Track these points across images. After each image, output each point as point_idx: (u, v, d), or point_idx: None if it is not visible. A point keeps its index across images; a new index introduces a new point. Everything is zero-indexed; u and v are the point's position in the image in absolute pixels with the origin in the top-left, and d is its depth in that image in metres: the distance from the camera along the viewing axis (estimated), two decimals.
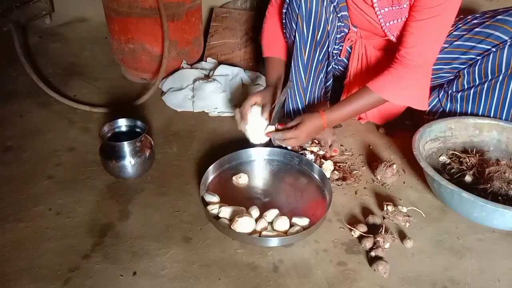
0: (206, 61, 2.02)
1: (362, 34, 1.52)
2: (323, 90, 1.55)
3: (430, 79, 1.38)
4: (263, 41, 1.55)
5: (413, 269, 1.11)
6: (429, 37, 1.27)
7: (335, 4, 1.38)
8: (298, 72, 1.45)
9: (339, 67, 1.64)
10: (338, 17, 1.43)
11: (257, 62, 2.01)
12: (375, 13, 1.38)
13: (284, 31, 1.46)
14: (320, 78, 1.49)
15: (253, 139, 1.43)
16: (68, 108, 1.73)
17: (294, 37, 1.40)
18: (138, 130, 1.40)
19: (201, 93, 1.75)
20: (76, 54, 2.20)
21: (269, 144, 1.48)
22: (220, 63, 1.97)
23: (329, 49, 1.45)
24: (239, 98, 1.77)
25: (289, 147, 1.47)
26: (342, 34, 1.51)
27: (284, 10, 1.40)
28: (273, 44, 1.53)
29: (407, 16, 1.33)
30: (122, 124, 1.41)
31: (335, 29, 1.44)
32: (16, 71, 1.96)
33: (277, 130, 1.39)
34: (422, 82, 1.35)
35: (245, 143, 1.50)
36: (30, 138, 1.56)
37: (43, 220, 1.22)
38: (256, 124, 1.40)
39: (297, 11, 1.34)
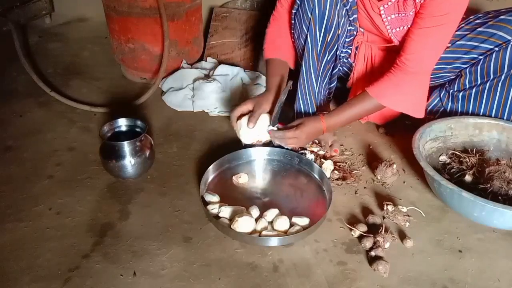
0: (206, 61, 2.02)
1: (369, 37, 1.52)
2: (327, 92, 1.55)
3: (428, 87, 1.39)
4: (265, 44, 1.54)
5: (413, 269, 1.11)
6: (430, 45, 1.28)
7: (347, 7, 1.38)
8: (309, 76, 1.45)
9: (344, 68, 1.64)
10: (349, 20, 1.43)
11: (257, 61, 2.01)
12: (382, 20, 1.39)
13: (292, 31, 1.45)
14: (325, 80, 1.50)
15: (243, 139, 1.42)
16: (68, 108, 1.73)
17: (305, 40, 1.39)
18: (138, 129, 1.40)
19: (201, 92, 1.75)
20: (76, 54, 2.20)
21: (269, 143, 1.48)
22: (220, 62, 1.97)
23: (337, 52, 1.45)
24: (239, 98, 1.78)
25: (289, 147, 1.47)
26: (351, 37, 1.51)
27: (294, 11, 1.39)
28: (275, 46, 1.51)
29: None
30: (122, 123, 1.41)
31: (345, 32, 1.44)
32: (16, 70, 1.96)
33: (278, 129, 1.39)
34: (420, 89, 1.36)
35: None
36: (30, 138, 1.56)
37: (43, 220, 1.22)
38: (245, 127, 1.39)
39: (310, 15, 1.33)
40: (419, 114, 1.38)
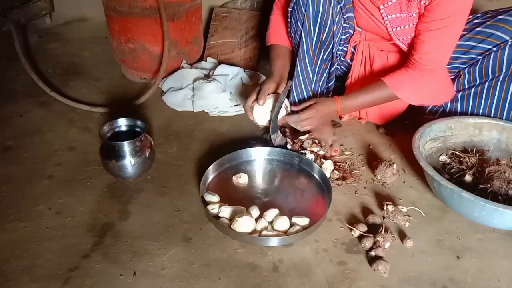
0: (206, 61, 2.02)
1: (367, 36, 1.52)
2: (325, 90, 1.55)
3: (447, 77, 1.43)
4: (269, 30, 1.56)
5: (413, 269, 1.11)
6: (442, 45, 1.32)
7: (341, 5, 1.39)
8: (306, 71, 1.45)
9: (342, 67, 1.64)
10: (344, 18, 1.43)
11: (257, 61, 2.01)
12: (382, 18, 1.39)
13: (289, 30, 1.46)
14: (323, 78, 1.50)
15: (259, 121, 1.43)
16: (68, 108, 1.73)
17: (300, 37, 1.40)
18: (138, 129, 1.40)
19: (201, 92, 1.75)
20: (76, 54, 2.20)
21: (269, 143, 1.48)
22: (220, 62, 1.97)
23: (333, 50, 1.45)
24: (239, 98, 1.78)
25: (288, 145, 1.47)
26: (347, 35, 1.52)
27: (290, 9, 1.40)
28: (279, 32, 1.53)
29: (414, 24, 1.36)
30: (122, 123, 1.41)
31: (341, 30, 1.44)
32: (16, 71, 1.96)
33: (292, 112, 1.42)
34: (436, 85, 1.40)
35: (245, 143, 1.50)
36: (30, 138, 1.56)
37: (43, 219, 1.22)
38: (256, 109, 1.40)
39: (304, 11, 1.34)
40: (443, 100, 1.44)
